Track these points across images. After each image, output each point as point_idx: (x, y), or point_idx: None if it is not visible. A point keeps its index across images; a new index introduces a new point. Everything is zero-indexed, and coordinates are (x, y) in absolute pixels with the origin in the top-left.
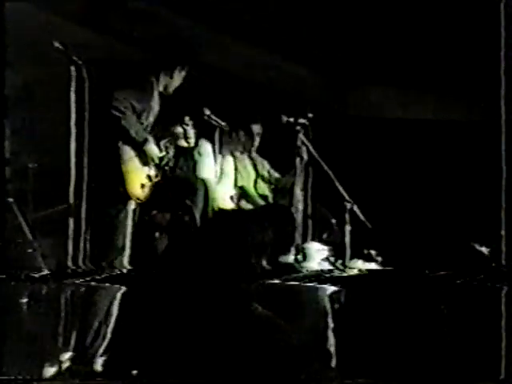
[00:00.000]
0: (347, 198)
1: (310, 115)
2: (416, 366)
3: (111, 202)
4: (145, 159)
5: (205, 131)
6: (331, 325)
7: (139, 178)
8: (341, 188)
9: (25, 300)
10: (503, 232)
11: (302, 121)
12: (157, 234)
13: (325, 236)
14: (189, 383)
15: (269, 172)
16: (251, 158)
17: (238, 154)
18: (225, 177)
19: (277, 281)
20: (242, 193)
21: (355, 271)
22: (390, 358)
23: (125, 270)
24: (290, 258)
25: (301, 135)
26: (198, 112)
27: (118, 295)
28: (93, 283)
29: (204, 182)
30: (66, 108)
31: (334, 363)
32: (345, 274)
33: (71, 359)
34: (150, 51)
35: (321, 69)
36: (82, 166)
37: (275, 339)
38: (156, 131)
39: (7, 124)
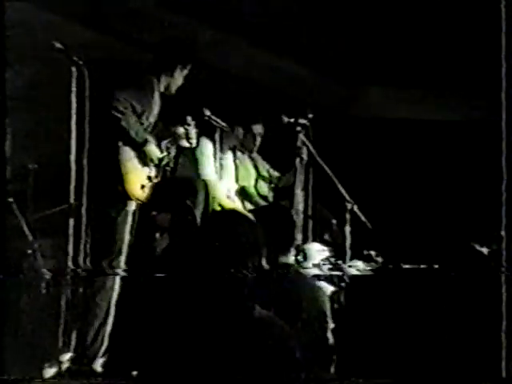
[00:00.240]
0: (348, 198)
1: (311, 115)
2: (416, 366)
3: (111, 202)
4: (145, 160)
5: (205, 131)
6: (331, 325)
7: (139, 178)
8: (341, 188)
9: (25, 300)
10: (503, 233)
11: (302, 121)
12: (157, 235)
13: (325, 237)
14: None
15: (269, 172)
16: (252, 158)
17: (238, 153)
18: (225, 172)
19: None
20: (243, 192)
21: (355, 272)
22: (390, 358)
23: (124, 271)
24: (291, 258)
25: (301, 135)
26: (198, 112)
27: (118, 295)
28: (93, 283)
29: (204, 183)
30: (66, 108)
31: (333, 363)
32: (345, 275)
33: (71, 360)
34: (151, 51)
35: (322, 69)
36: (82, 166)
37: (274, 339)
38: (157, 131)
39: (7, 124)
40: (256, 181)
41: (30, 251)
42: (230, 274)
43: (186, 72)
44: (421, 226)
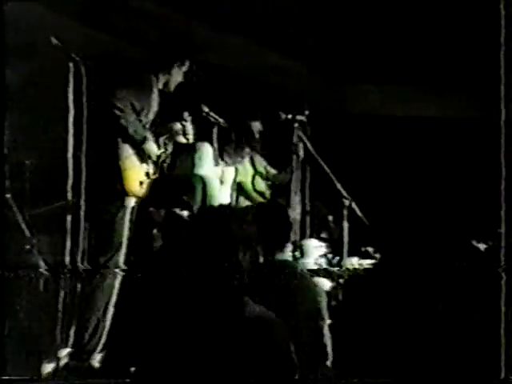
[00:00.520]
0: (345, 194)
1: (307, 112)
2: (415, 365)
3: (110, 199)
4: (143, 157)
5: (203, 128)
6: (327, 321)
7: (137, 175)
8: (339, 185)
9: (23, 296)
10: (502, 229)
11: (300, 118)
12: (154, 231)
13: (322, 235)
14: (187, 380)
15: (266, 169)
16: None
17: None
18: (225, 185)
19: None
20: (240, 188)
21: (352, 268)
22: (388, 356)
23: (122, 268)
24: (288, 254)
25: (299, 132)
26: (196, 109)
27: (116, 292)
28: (91, 280)
29: (202, 179)
30: (64, 105)
31: (330, 361)
32: (342, 271)
33: (69, 355)
34: (148, 48)
35: (320, 66)
36: (80, 163)
37: (269, 335)
38: (155, 128)
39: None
40: (253, 177)
41: (27, 247)
42: (224, 270)
43: (184, 69)
44: (419, 222)
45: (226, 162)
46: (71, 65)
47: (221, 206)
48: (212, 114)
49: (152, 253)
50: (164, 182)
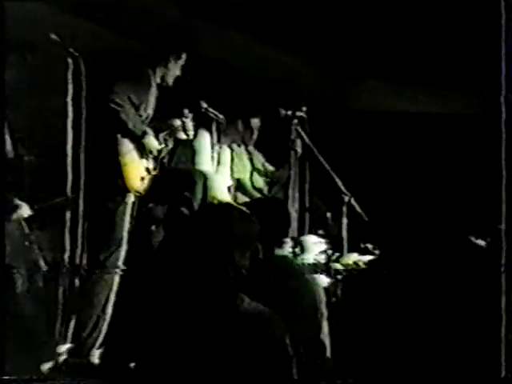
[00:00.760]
0: (345, 190)
1: (305, 108)
2: (414, 363)
3: (110, 194)
4: (143, 152)
5: (202, 124)
6: (326, 317)
7: (138, 170)
8: (338, 181)
9: (22, 293)
10: (503, 226)
11: (299, 114)
12: (153, 227)
13: (320, 231)
14: (185, 375)
15: (264, 165)
16: (248, 151)
17: (235, 146)
18: (221, 167)
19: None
20: (238, 185)
21: (352, 264)
22: (388, 354)
23: (121, 263)
24: (287, 250)
25: (298, 128)
26: (195, 105)
27: (115, 288)
28: (91, 276)
29: (203, 174)
30: (63, 100)
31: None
32: (342, 267)
33: (68, 351)
34: (145, 43)
35: (319, 62)
36: (80, 158)
37: (265, 331)
38: (155, 123)
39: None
40: (251, 173)
41: (26, 244)
42: (221, 267)
43: (181, 62)
44: (418, 218)
45: (221, 143)
46: (70, 60)
47: (224, 203)
48: (211, 109)
49: (152, 249)
50: (165, 177)
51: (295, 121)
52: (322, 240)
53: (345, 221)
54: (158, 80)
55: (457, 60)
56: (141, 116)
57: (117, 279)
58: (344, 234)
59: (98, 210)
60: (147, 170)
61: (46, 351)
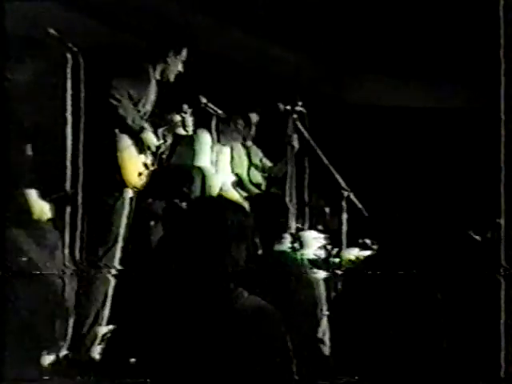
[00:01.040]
0: (344, 186)
1: (300, 103)
2: (413, 361)
3: (108, 190)
4: (142, 147)
5: (202, 119)
6: (326, 313)
7: (136, 166)
8: (338, 176)
9: (22, 288)
10: (502, 220)
11: (299, 109)
12: (151, 223)
13: (319, 227)
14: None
15: (262, 161)
16: (246, 147)
17: (235, 144)
18: (221, 168)
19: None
20: (236, 180)
21: (352, 259)
22: (387, 353)
23: (120, 259)
24: (286, 245)
25: (297, 123)
26: (195, 100)
27: (114, 283)
28: (90, 271)
29: (201, 170)
30: (61, 96)
31: (328, 352)
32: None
33: (69, 347)
34: (145, 38)
35: (318, 57)
36: (78, 154)
37: (264, 326)
38: (154, 119)
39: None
40: (248, 169)
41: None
42: (219, 262)
43: (181, 58)
44: (418, 214)
45: (222, 142)
46: (69, 55)
47: (218, 196)
48: (210, 105)
49: (150, 244)
50: (163, 173)
51: (294, 116)
52: (322, 235)
53: (344, 216)
54: (158, 76)
55: (456, 55)
56: (139, 111)
57: (116, 274)
58: (344, 229)
59: (96, 205)
60: (145, 165)
61: (47, 347)
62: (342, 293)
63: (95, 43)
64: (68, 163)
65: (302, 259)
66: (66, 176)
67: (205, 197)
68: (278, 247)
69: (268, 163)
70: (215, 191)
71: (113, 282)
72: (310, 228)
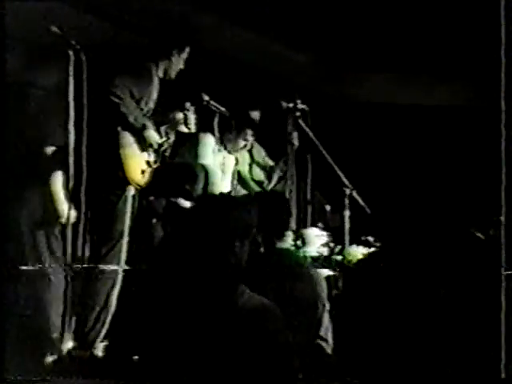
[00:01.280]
0: (347, 183)
1: (299, 101)
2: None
3: (111, 187)
4: (144, 145)
5: (204, 117)
6: (327, 310)
7: (139, 163)
8: (340, 173)
9: (25, 286)
10: (503, 218)
11: (301, 106)
12: (154, 220)
13: (320, 224)
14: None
15: (264, 159)
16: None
17: (240, 151)
18: (226, 174)
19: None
20: (238, 177)
21: (355, 256)
22: (387, 352)
23: (123, 256)
24: (289, 243)
25: (300, 121)
26: (197, 98)
27: (118, 280)
28: (93, 269)
29: (204, 168)
30: (64, 94)
31: (330, 350)
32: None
33: (72, 345)
34: (147, 36)
35: (321, 54)
36: (81, 151)
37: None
38: (156, 117)
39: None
40: (250, 166)
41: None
42: (222, 260)
43: (184, 56)
44: (419, 211)
45: (228, 150)
46: (71, 53)
47: (221, 194)
48: (212, 102)
49: (153, 241)
50: (166, 170)
51: (297, 113)
52: (324, 233)
53: (347, 213)
54: (161, 74)
55: (457, 53)
56: (142, 109)
57: (119, 271)
58: (346, 226)
59: (99, 202)
60: (148, 163)
61: (50, 344)
62: (345, 290)
63: (97, 41)
64: (71, 161)
65: (304, 257)
66: (68, 173)
67: (208, 194)
68: (280, 245)
69: (270, 162)
70: (218, 189)
71: (116, 279)
72: (311, 225)
